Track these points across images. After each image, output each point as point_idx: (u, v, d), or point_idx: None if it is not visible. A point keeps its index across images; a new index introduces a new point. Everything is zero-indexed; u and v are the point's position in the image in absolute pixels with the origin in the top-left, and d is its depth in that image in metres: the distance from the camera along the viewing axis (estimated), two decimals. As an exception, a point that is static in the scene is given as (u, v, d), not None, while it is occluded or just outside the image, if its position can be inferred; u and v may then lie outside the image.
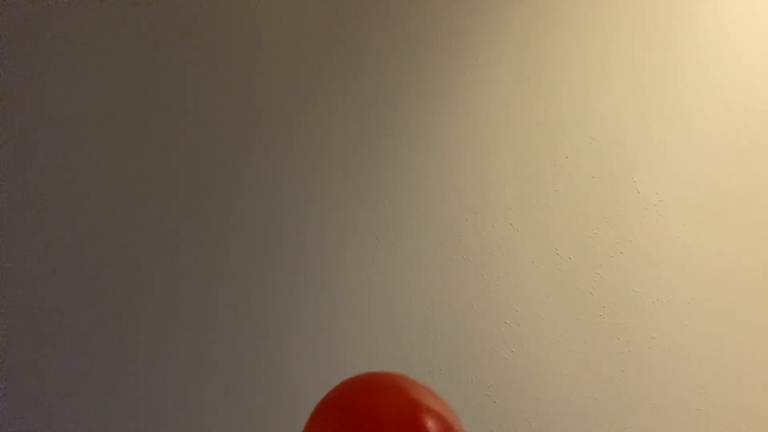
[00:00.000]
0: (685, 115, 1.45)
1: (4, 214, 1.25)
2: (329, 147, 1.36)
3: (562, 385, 1.42)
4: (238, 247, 1.32)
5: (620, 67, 1.43)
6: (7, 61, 1.25)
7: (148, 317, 1.29)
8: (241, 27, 1.33)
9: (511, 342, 1.40)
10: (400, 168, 1.38)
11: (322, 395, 0.68)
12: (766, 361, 1.48)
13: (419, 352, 1.37)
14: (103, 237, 1.29)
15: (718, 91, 1.46)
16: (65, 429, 1.25)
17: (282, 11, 1.34)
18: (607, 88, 1.43)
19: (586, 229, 1.42)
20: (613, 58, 1.43)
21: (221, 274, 1.32)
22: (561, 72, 1.42)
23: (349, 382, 0.71)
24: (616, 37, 1.43)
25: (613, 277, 1.43)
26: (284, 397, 1.32)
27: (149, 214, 1.30)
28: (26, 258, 1.26)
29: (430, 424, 0.63)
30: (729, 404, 1.46)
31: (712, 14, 1.46)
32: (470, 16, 1.39)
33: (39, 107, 1.26)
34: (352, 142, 1.37)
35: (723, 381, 1.46)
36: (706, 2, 1.46)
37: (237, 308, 1.33)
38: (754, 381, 1.47)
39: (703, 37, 1.45)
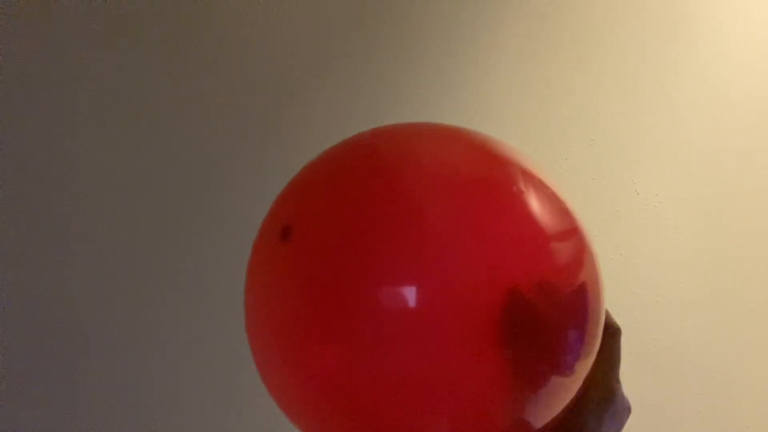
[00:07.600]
0: (684, 116, 1.45)
1: None
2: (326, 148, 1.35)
3: (562, 386, 1.42)
4: (237, 245, 1.32)
5: (619, 68, 1.43)
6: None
7: (151, 316, 1.29)
8: (241, 25, 1.32)
9: (511, 344, 1.40)
10: (399, 170, 1.37)
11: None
12: (766, 363, 1.48)
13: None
14: (103, 236, 1.28)
15: (717, 92, 1.46)
16: (70, 428, 1.24)
17: (282, 13, 1.34)
18: (605, 90, 1.42)
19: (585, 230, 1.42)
20: (611, 59, 1.43)
21: (222, 271, 1.31)
22: (559, 74, 1.41)
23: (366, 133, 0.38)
24: (614, 37, 1.43)
25: (612, 278, 1.43)
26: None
27: (152, 210, 1.29)
28: (20, 254, 1.25)
29: (522, 183, 0.40)
30: (729, 406, 1.46)
31: (711, 14, 1.45)
32: (469, 18, 1.38)
33: (30, 107, 1.26)
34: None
35: (723, 382, 1.46)
36: (704, 2, 1.45)
37: (235, 307, 1.32)
38: (754, 382, 1.47)
39: (701, 38, 1.45)
